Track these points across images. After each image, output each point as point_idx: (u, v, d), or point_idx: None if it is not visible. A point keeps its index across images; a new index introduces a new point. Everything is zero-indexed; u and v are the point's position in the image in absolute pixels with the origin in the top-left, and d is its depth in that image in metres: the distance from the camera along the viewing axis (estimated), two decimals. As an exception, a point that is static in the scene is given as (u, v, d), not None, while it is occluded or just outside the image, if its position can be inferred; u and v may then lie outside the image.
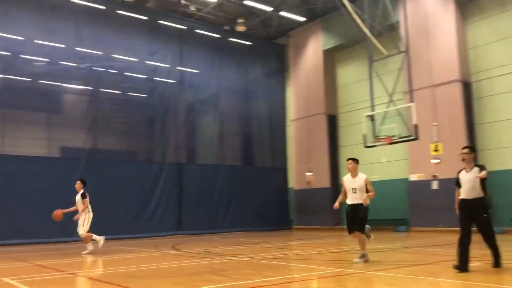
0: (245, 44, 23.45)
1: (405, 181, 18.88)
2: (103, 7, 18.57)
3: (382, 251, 10.70)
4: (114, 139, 18.82)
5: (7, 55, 16.52)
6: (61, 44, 17.65)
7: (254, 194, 22.12)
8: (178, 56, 20.77)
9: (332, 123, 22.65)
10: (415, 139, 16.24)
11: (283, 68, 24.99)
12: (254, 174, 22.49)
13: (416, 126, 16.05)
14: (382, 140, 16.98)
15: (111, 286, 6.49)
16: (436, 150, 17.45)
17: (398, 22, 18.69)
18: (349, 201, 8.46)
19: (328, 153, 22.25)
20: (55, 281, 7.26)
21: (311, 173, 22.77)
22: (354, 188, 8.36)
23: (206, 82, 21.67)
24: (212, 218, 20.58)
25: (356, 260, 8.31)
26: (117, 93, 18.96)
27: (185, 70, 21.02)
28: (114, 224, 16.83)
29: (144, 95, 20.19)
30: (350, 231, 8.39)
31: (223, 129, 22.23)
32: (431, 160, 17.60)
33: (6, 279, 7.26)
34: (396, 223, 18.93)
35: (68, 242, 15.58)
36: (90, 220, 11.59)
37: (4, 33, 16.45)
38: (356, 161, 8.56)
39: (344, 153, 21.76)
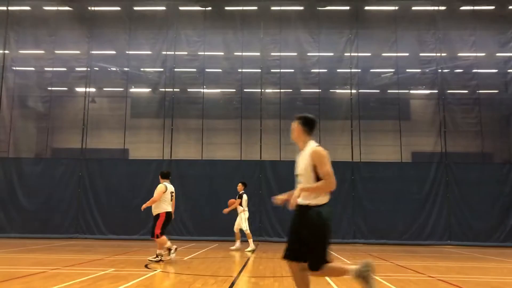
0: None
1: None
2: (443, 8, 18.27)
3: None
4: (464, 141, 17.96)
5: (357, 71, 18.37)
6: (405, 53, 18.41)
7: None
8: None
9: None
10: None
11: None
12: None
13: None
14: None
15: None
16: None
17: None
18: None
19: None
20: (417, 282, 7.50)
21: None
22: None
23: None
24: None
25: None
26: (464, 93, 18.11)
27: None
28: (471, 231, 16.29)
29: (495, 91, 18.54)
30: None
31: None
32: None
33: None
34: None
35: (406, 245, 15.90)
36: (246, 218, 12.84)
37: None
38: None
39: None
